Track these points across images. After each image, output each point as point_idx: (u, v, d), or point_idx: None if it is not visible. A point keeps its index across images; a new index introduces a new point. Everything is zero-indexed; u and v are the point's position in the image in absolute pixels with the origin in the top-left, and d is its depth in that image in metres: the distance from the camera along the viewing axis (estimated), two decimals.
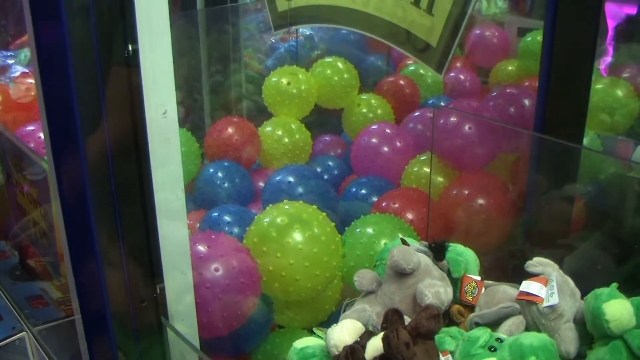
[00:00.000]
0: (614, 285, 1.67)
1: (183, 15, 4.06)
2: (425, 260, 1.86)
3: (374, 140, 3.32)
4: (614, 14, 3.66)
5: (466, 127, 2.80)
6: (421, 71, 4.02)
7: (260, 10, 4.33)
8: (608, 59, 3.72)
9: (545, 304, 1.69)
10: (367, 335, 1.62)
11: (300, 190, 2.98)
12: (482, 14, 4.45)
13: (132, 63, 1.52)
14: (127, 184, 1.64)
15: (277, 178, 3.08)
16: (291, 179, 3.04)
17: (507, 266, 2.30)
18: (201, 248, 2.11)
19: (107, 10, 1.50)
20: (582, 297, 1.75)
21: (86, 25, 1.47)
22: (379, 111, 3.76)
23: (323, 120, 3.96)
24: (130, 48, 1.51)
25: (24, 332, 2.34)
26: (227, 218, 2.81)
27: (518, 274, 1.83)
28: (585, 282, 1.79)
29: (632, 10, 3.70)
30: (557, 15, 2.32)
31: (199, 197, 3.28)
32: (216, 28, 4.23)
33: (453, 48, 2.89)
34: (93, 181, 1.57)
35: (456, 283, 1.89)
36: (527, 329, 1.71)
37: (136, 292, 1.69)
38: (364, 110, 3.77)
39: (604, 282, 1.73)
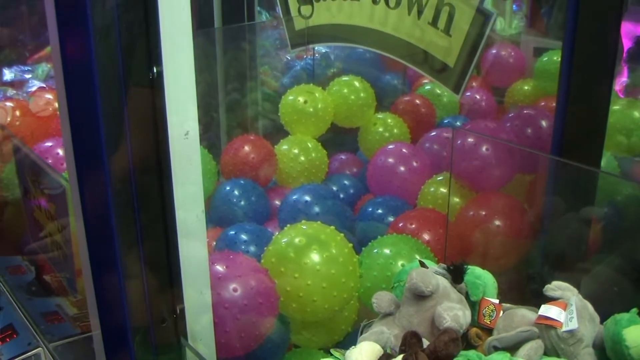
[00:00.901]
0: (634, 310, 1.67)
1: (201, 34, 4.08)
2: (444, 282, 1.86)
3: (390, 160, 3.32)
4: (629, 34, 3.66)
5: (483, 149, 2.80)
6: (437, 90, 4.02)
7: (276, 27, 4.35)
8: (623, 79, 3.71)
9: (564, 328, 1.68)
10: (385, 358, 1.63)
11: (316, 209, 2.98)
12: (498, 33, 4.45)
13: (156, 84, 1.54)
14: (149, 204, 1.65)
15: (294, 197, 3.08)
16: (308, 198, 3.04)
17: (525, 288, 2.29)
18: (219, 268, 2.11)
19: (132, 31, 1.51)
20: (600, 322, 1.75)
21: (112, 45, 1.49)
22: (395, 130, 3.76)
23: (339, 138, 3.96)
24: (155, 70, 1.53)
25: (40, 348, 2.35)
26: (243, 237, 2.81)
27: (536, 298, 1.83)
28: (603, 305, 1.79)
29: None
30: (576, 35, 2.32)
31: (215, 215, 3.28)
32: (233, 46, 4.25)
33: (470, 69, 2.91)
34: (116, 200, 1.58)
35: (474, 306, 1.89)
36: (545, 354, 1.71)
37: (157, 312, 1.69)
38: (380, 129, 3.76)
39: (622, 305, 1.72)
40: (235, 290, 2.07)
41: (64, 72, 1.46)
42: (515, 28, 4.55)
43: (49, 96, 3.71)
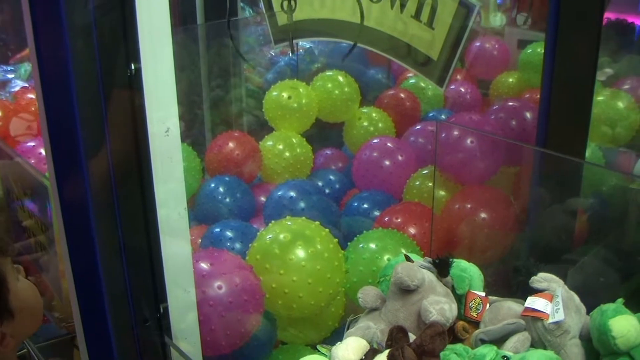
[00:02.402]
0: (620, 301, 1.66)
1: (183, 30, 4.06)
2: (430, 276, 1.85)
3: (375, 154, 3.31)
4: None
5: (468, 141, 2.80)
6: (422, 84, 4.01)
7: (260, 23, 4.33)
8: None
9: (550, 320, 1.68)
10: (372, 353, 1.61)
11: (302, 205, 2.96)
12: (482, 26, 4.44)
13: (134, 81, 1.52)
14: (130, 202, 1.63)
15: (279, 193, 3.07)
16: (293, 194, 3.03)
17: (511, 280, 2.28)
18: (204, 265, 2.10)
19: (110, 29, 1.49)
20: (587, 312, 1.75)
21: (89, 43, 1.47)
22: (380, 124, 3.75)
23: (324, 134, 3.95)
24: (133, 67, 1.51)
25: (25, 350, 2.33)
26: (229, 233, 2.80)
27: (523, 290, 1.83)
28: (589, 296, 1.79)
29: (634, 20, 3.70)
30: (559, 28, 2.32)
31: (200, 212, 3.26)
32: (216, 42, 4.22)
33: (454, 62, 2.89)
34: (95, 199, 1.56)
35: (460, 299, 1.88)
36: (532, 346, 1.71)
37: (139, 311, 1.68)
38: (365, 123, 3.76)
39: (608, 295, 1.72)
40: (220, 287, 2.06)
41: (40, 70, 1.45)
42: (500, 20, 4.54)
43: (32, 96, 3.68)
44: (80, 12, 1.45)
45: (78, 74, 1.45)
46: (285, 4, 3.07)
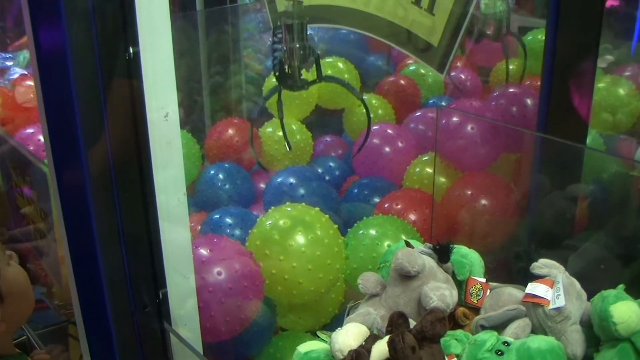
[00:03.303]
0: (621, 287, 1.66)
1: (182, 16, 4.04)
2: (430, 262, 1.85)
3: (375, 140, 3.30)
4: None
5: (469, 128, 2.79)
6: (422, 70, 4.00)
7: (259, 10, 4.31)
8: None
9: (551, 306, 1.67)
10: (372, 339, 1.61)
11: (301, 191, 2.96)
12: (483, 12, 4.42)
13: (133, 66, 1.51)
14: (129, 188, 1.63)
15: (279, 180, 3.06)
16: (292, 180, 3.02)
17: (512, 267, 2.28)
18: (203, 252, 2.09)
19: (108, 13, 1.48)
20: (587, 299, 1.74)
21: (87, 28, 1.46)
22: (380, 111, 3.74)
23: (324, 120, 3.93)
24: (131, 50, 1.50)
25: (25, 337, 2.33)
26: (228, 220, 2.79)
27: (523, 276, 1.82)
28: (590, 282, 1.78)
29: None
30: (560, 14, 2.31)
31: (199, 199, 3.26)
32: (216, 29, 4.21)
33: (455, 48, 2.88)
34: (94, 184, 1.55)
35: (461, 285, 1.88)
36: (533, 332, 1.70)
37: (139, 297, 1.67)
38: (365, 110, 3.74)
39: (609, 281, 1.72)
40: (219, 273, 2.06)
41: (37, 55, 1.43)
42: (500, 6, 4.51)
43: (31, 83, 3.66)
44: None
45: (76, 58, 1.44)
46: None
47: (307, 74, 2.73)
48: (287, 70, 2.68)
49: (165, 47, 1.53)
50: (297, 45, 2.72)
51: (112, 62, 1.51)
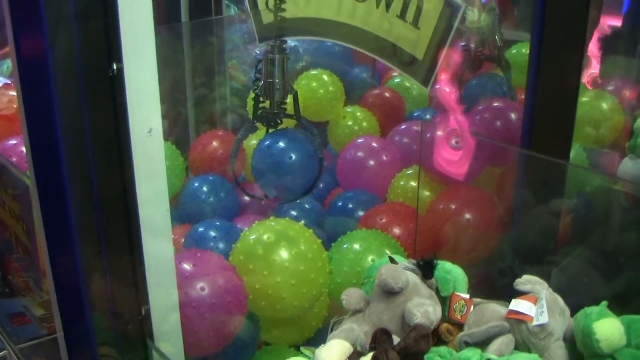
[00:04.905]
0: (604, 303, 1.67)
1: (167, 28, 4.03)
2: (414, 278, 1.85)
3: (360, 153, 3.30)
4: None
5: (453, 142, 2.79)
6: (407, 83, 4.00)
7: (245, 21, 4.31)
8: (592, 70, 3.71)
9: (534, 322, 1.68)
10: (356, 355, 1.61)
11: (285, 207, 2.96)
12: (467, 25, 4.43)
13: (116, 81, 1.50)
14: (111, 202, 1.62)
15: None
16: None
17: (495, 282, 2.28)
18: (187, 266, 2.08)
19: (91, 28, 1.48)
20: (571, 314, 1.75)
21: (69, 41, 1.45)
22: (365, 124, 3.74)
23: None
24: (115, 67, 1.49)
25: (6, 351, 2.31)
26: (212, 233, 2.78)
27: (507, 292, 1.82)
28: (573, 298, 1.79)
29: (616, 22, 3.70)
30: (544, 27, 2.31)
31: (183, 211, 3.24)
32: (201, 40, 4.20)
33: (439, 62, 2.89)
34: (76, 198, 1.55)
35: (445, 301, 1.88)
36: (516, 348, 1.70)
37: (121, 314, 1.67)
38: (350, 122, 3.74)
39: (592, 296, 1.72)
40: (202, 288, 2.04)
41: (20, 69, 1.43)
42: (485, 20, 4.53)
43: (14, 93, 3.64)
44: (61, 11, 1.43)
45: (58, 72, 1.44)
46: (271, 2, 3.05)
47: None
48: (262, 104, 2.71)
49: (149, 63, 1.52)
50: (277, 81, 2.73)
51: (96, 77, 1.50)
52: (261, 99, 2.74)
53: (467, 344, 1.73)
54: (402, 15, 2.92)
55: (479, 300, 1.90)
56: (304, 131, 2.81)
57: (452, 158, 2.75)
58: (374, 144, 3.36)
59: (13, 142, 3.06)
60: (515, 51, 3.94)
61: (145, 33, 1.50)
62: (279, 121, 2.77)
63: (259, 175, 2.81)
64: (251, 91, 2.84)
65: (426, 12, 2.86)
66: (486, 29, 3.43)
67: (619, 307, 1.68)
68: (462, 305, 1.86)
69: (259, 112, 2.75)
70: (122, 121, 1.55)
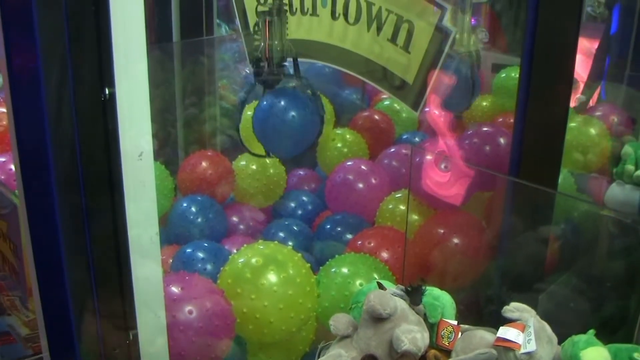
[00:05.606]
0: (591, 332, 1.67)
1: (158, 48, 4.03)
2: (402, 304, 1.85)
3: (349, 176, 3.31)
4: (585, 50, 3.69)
5: (442, 167, 2.80)
6: (396, 106, 4.01)
7: (235, 40, 4.31)
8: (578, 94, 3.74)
9: (522, 350, 1.68)
10: None
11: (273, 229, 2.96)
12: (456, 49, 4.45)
13: (108, 106, 1.51)
14: (100, 226, 1.62)
15: None
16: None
17: (483, 309, 2.29)
18: (175, 289, 2.08)
19: (84, 52, 1.48)
20: (558, 342, 1.75)
21: (62, 67, 1.45)
22: (354, 146, 3.75)
23: (297, 154, 3.93)
24: (107, 91, 1.50)
25: None
26: (200, 254, 2.77)
27: (495, 318, 1.82)
28: (561, 325, 1.79)
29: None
30: (534, 52, 2.33)
31: (171, 232, 3.23)
32: (191, 60, 4.20)
33: (429, 86, 2.90)
34: (65, 219, 1.54)
35: (432, 327, 1.87)
36: None
37: (108, 339, 1.66)
38: (339, 144, 3.75)
39: (579, 323, 1.73)
40: (190, 312, 2.04)
41: (11, 88, 1.43)
42: (474, 44, 4.55)
43: (4, 110, 3.63)
44: (54, 34, 1.43)
45: (50, 93, 1.44)
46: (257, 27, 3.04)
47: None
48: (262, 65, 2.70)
49: (141, 88, 1.53)
50: (275, 42, 2.72)
51: (87, 102, 1.50)
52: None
53: None
54: (393, 39, 2.94)
55: (466, 327, 1.90)
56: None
57: (441, 180, 2.77)
58: (363, 167, 3.37)
59: (2, 159, 3.05)
60: (504, 75, 3.97)
61: (137, 59, 1.50)
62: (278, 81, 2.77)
63: (261, 134, 2.79)
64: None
65: (417, 37, 2.87)
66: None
67: (607, 334, 1.68)
68: (450, 332, 1.85)
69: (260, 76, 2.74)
70: (113, 145, 1.55)
